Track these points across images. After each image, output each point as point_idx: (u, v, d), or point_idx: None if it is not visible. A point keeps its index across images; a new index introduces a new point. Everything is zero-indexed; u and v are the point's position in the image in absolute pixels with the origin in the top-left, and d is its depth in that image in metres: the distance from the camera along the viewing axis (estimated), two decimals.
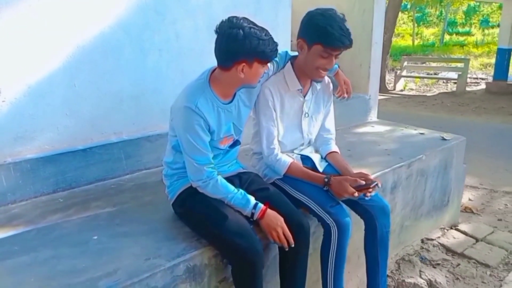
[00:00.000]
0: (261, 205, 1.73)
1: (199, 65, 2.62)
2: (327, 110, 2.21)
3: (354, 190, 1.86)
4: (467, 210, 3.93)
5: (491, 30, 29.17)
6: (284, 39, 3.05)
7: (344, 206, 1.98)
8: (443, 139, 3.30)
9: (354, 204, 2.06)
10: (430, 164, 2.99)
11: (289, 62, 2.04)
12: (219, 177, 1.74)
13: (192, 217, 1.78)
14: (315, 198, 1.95)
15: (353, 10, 3.82)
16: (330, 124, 2.25)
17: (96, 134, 2.29)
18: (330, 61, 1.88)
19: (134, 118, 2.44)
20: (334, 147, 2.23)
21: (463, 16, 31.90)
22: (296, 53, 2.06)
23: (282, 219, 1.72)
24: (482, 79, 13.91)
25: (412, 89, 12.50)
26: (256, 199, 1.75)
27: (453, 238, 3.24)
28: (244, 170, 2.01)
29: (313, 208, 1.93)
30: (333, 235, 1.88)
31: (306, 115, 2.11)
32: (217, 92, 1.75)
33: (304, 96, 2.09)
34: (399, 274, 2.72)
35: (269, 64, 1.82)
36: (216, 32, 1.65)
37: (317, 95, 2.14)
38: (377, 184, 1.89)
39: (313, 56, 1.87)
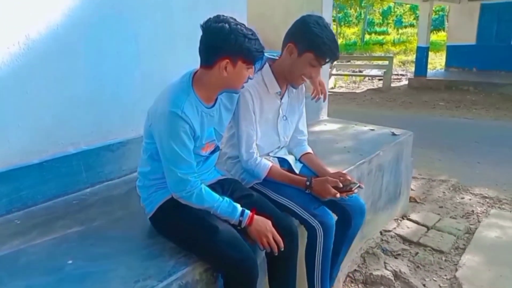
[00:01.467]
0: (248, 212, 1.66)
1: (159, 67, 2.52)
2: (300, 111, 2.20)
3: (336, 191, 1.86)
4: (411, 199, 4.16)
5: (404, 30, 31.44)
6: None
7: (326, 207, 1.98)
8: (394, 134, 3.46)
9: (332, 204, 2.06)
10: (385, 159, 3.12)
11: (267, 64, 2.00)
12: (203, 186, 1.65)
13: (177, 230, 1.67)
14: (298, 201, 1.92)
15: (301, 10, 3.84)
16: (303, 125, 2.25)
17: (52, 145, 2.07)
18: (317, 70, 1.89)
19: (92, 126, 2.25)
20: (308, 148, 2.23)
21: (380, 17, 34.02)
22: (271, 55, 2.02)
23: (270, 223, 1.67)
24: (402, 75, 14.89)
25: (342, 87, 13.05)
26: (241, 206, 1.69)
27: (407, 228, 3.41)
28: (225, 177, 1.93)
29: (297, 211, 1.91)
30: (319, 237, 1.87)
31: (284, 117, 2.09)
32: (200, 95, 1.65)
33: (281, 99, 2.06)
34: (366, 268, 2.80)
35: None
36: (202, 27, 1.56)
37: (292, 97, 2.12)
38: (359, 186, 1.92)
39: (302, 63, 1.85)
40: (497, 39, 12.10)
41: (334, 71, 13.08)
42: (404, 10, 33.61)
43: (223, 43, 1.53)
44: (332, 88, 12.67)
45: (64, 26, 2.03)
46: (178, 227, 1.66)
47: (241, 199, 1.77)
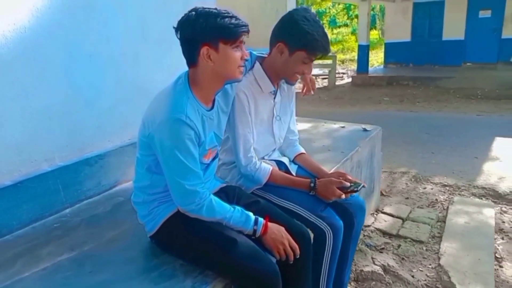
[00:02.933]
0: (262, 220, 1.56)
1: (134, 70, 2.34)
2: (291, 110, 2.13)
3: (341, 192, 1.81)
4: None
5: (339, 29, 32.56)
6: None
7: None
8: (365, 130, 3.49)
9: (333, 204, 2.02)
10: (363, 155, 3.14)
11: (257, 62, 1.90)
12: (213, 197, 1.52)
13: (189, 247, 1.52)
14: (303, 204, 1.85)
15: (265, 9, 3.81)
16: (294, 125, 2.18)
17: (25, 163, 1.84)
18: (309, 66, 1.83)
19: (66, 139, 2.02)
20: (301, 149, 2.17)
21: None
22: (259, 53, 1.94)
23: (284, 229, 1.58)
24: (343, 73, 15.39)
25: None
26: None
27: (384, 221, 3.46)
28: (225, 185, 1.81)
29: (304, 215, 1.83)
30: (328, 239, 1.82)
31: (278, 117, 2.00)
32: (198, 96, 1.51)
33: (274, 98, 1.97)
34: (355, 265, 2.79)
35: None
36: (175, 28, 1.44)
37: (284, 96, 2.05)
38: (363, 186, 1.88)
39: (295, 62, 1.78)
40: (429, 35, 12.86)
41: None
42: (337, 10, 34.82)
43: (194, 31, 1.39)
44: None
45: (32, 28, 1.80)
46: (190, 243, 1.51)
47: (248, 207, 1.66)
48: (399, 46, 13.20)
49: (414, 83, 11.22)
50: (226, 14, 1.40)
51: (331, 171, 2.27)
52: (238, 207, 1.55)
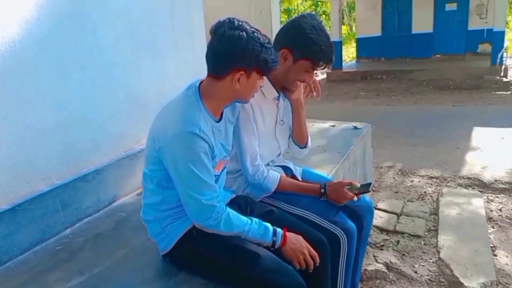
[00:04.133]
0: (280, 231, 1.52)
1: (125, 80, 2.26)
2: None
3: (353, 194, 1.79)
4: None
5: None
6: (201, 42, 2.82)
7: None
8: (356, 128, 3.51)
9: (342, 207, 2.00)
10: (357, 153, 3.14)
11: None
12: (229, 210, 1.47)
13: (209, 264, 1.46)
14: (315, 210, 1.82)
15: (249, 11, 3.76)
16: None
17: (21, 185, 1.72)
18: (311, 75, 1.80)
19: (62, 156, 1.92)
20: None
21: (284, 15, 35.18)
22: None
23: (302, 238, 1.55)
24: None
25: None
26: None
27: (380, 218, 3.48)
28: (234, 195, 1.76)
29: (316, 221, 1.80)
30: (343, 244, 1.79)
31: (281, 122, 1.96)
32: (209, 108, 1.47)
33: (277, 104, 1.93)
34: None
35: None
36: (213, 33, 1.38)
37: (286, 99, 2.01)
38: (372, 184, 1.87)
39: (298, 70, 1.74)
40: (399, 29, 13.12)
41: None
42: (304, 7, 35.14)
43: (240, 54, 1.37)
44: None
45: (22, 42, 1.69)
46: (209, 260, 1.46)
47: (263, 217, 1.61)
48: (370, 40, 13.41)
49: (388, 76, 11.42)
50: (268, 46, 1.41)
51: (332, 173, 2.25)
52: (255, 219, 1.51)
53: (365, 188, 1.86)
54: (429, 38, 12.54)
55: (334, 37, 12.34)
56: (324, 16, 27.54)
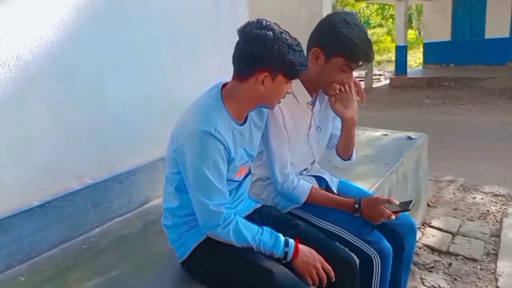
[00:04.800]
0: (292, 242, 1.41)
1: (163, 82, 2.25)
2: (334, 115, 1.96)
3: (390, 212, 1.63)
4: None
5: (373, 30, 31.91)
6: None
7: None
8: (410, 138, 3.27)
9: (380, 226, 1.83)
10: (408, 166, 2.93)
11: None
12: (238, 218, 1.39)
13: (222, 276, 1.39)
14: (348, 226, 1.68)
15: (299, 14, 3.66)
16: (339, 129, 2.00)
17: (53, 183, 1.77)
18: (349, 75, 1.64)
19: (96, 156, 1.95)
20: None
21: None
22: None
23: (315, 251, 1.43)
24: (380, 75, 14.96)
25: None
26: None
27: (432, 236, 3.22)
28: (260, 205, 1.67)
29: (348, 239, 1.66)
30: (376, 266, 1.63)
31: (319, 129, 1.84)
32: (230, 110, 1.40)
33: (312, 108, 1.82)
34: None
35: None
36: (240, 33, 1.33)
37: (325, 104, 1.88)
38: (414, 202, 1.69)
39: (332, 69, 1.60)
40: (471, 34, 12.27)
41: None
42: (370, 11, 34.18)
43: (265, 54, 1.30)
44: None
45: (59, 43, 1.74)
46: (223, 272, 1.38)
47: (286, 231, 1.51)
48: (438, 46, 12.66)
49: (456, 84, 10.71)
50: (297, 48, 1.33)
51: (374, 187, 2.09)
52: (266, 228, 1.42)
53: (405, 206, 1.68)
54: (505, 44, 11.57)
55: (399, 42, 11.86)
56: (391, 19, 26.56)
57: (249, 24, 1.33)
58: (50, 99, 1.73)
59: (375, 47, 23.66)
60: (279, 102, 1.50)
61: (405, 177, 2.86)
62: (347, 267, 1.49)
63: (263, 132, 1.69)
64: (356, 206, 1.68)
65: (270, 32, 1.29)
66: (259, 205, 1.67)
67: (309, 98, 1.76)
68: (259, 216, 1.59)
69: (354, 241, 1.65)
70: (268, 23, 1.33)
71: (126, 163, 2.05)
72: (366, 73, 11.86)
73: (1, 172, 1.60)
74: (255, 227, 1.40)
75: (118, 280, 1.51)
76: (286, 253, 1.38)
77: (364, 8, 33.39)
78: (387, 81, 12.55)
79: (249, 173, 1.62)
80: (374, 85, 12.42)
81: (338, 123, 1.99)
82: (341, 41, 1.53)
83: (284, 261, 1.39)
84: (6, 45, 1.56)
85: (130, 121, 2.07)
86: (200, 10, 2.42)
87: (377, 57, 20.12)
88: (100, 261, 1.65)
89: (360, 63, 1.62)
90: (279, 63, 1.32)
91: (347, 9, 26.82)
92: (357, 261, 1.66)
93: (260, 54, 1.30)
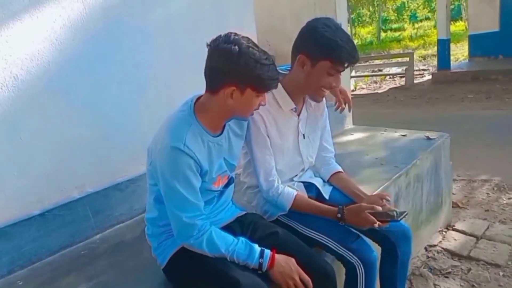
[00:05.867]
0: (268, 252, 1.43)
1: (166, 95, 2.32)
2: (323, 126, 1.95)
3: (374, 219, 1.59)
4: (453, 205, 3.81)
5: (420, 24, 30.73)
6: None
7: (366, 237, 1.71)
8: (429, 138, 3.15)
9: (370, 230, 1.79)
10: (423, 168, 2.82)
11: None
12: (213, 229, 1.42)
13: (194, 285, 1.43)
14: (331, 234, 1.67)
15: (314, 15, 3.61)
16: (327, 141, 1.99)
17: (54, 192, 1.89)
18: (337, 79, 1.64)
19: (97, 166, 2.06)
20: (337, 167, 1.97)
21: (394, 13, 33.42)
22: (281, 69, 1.79)
23: (294, 261, 1.43)
24: (424, 70, 14.37)
25: (363, 88, 12.67)
26: (265, 247, 1.45)
27: (454, 240, 3.07)
28: (244, 213, 1.70)
29: (332, 247, 1.65)
30: (360, 275, 1.61)
31: (303, 136, 1.84)
32: (204, 123, 1.44)
33: (298, 115, 1.81)
34: None
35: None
36: (209, 47, 1.36)
37: (311, 111, 1.88)
38: (405, 214, 1.64)
39: (319, 74, 1.60)
40: None
41: (353, 73, 12.74)
42: (418, 4, 32.95)
43: (230, 69, 1.32)
44: (353, 90, 12.31)
45: (56, 62, 1.85)
46: (195, 281, 1.43)
47: (265, 239, 1.53)
48: (485, 37, 11.94)
49: (505, 77, 10.05)
50: (265, 62, 1.34)
51: (375, 192, 2.05)
52: (242, 238, 1.44)
53: (391, 216, 1.63)
54: None
55: (441, 35, 11.33)
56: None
57: (218, 38, 1.36)
58: (49, 114, 1.85)
59: (420, 42, 22.91)
60: (252, 114, 1.52)
61: (420, 180, 2.76)
62: (323, 277, 1.48)
63: (247, 140, 1.72)
64: (339, 215, 1.65)
65: (236, 47, 1.31)
66: (242, 213, 1.69)
67: (292, 105, 1.76)
68: (239, 224, 1.62)
69: (337, 249, 1.64)
70: (236, 37, 1.34)
71: (127, 172, 2.14)
72: (406, 69, 11.46)
73: (3, 184, 1.73)
74: (230, 238, 1.43)
75: (104, 286, 1.59)
76: (261, 264, 1.40)
77: (411, 1, 32.30)
78: (430, 77, 12.05)
79: (230, 182, 1.65)
80: (416, 81, 11.96)
81: (328, 136, 1.99)
82: (326, 44, 1.54)
83: (259, 272, 1.41)
84: (4, 66, 1.69)
85: (131, 131, 2.16)
86: (202, 22, 2.47)
87: (422, 52, 19.36)
88: (93, 267, 1.74)
89: (346, 65, 1.61)
90: (246, 78, 1.34)
91: (389, 3, 25.97)
92: (341, 269, 1.65)
93: (226, 69, 1.33)
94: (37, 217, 1.80)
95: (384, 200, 1.69)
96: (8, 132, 1.73)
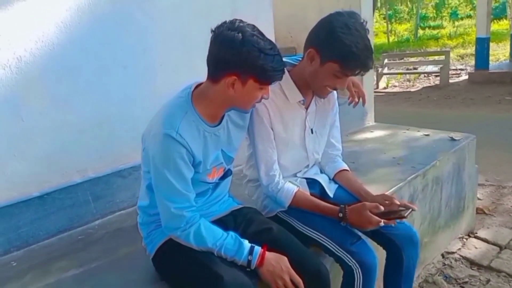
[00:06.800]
0: (258, 249, 1.35)
1: (174, 81, 2.25)
2: (332, 121, 1.85)
3: (379, 219, 1.49)
4: (478, 211, 3.61)
5: (460, 22, 29.60)
6: None
7: (367, 240, 1.61)
8: (452, 139, 2.97)
9: (374, 233, 1.69)
10: (444, 170, 2.66)
11: (285, 70, 1.67)
12: (202, 221, 1.36)
13: (179, 278, 1.38)
14: (330, 234, 1.57)
15: (337, 7, 3.47)
16: (336, 138, 1.90)
17: (55, 175, 1.88)
18: (343, 82, 1.54)
19: (100, 151, 2.04)
20: (343, 165, 1.87)
21: (433, 10, 32.32)
22: (291, 59, 1.70)
23: (286, 260, 1.35)
24: (462, 69, 13.81)
25: (395, 86, 12.31)
26: (258, 243, 1.38)
27: (474, 248, 2.90)
28: (240, 206, 1.63)
29: (330, 247, 1.56)
30: (357, 279, 1.51)
31: (311, 130, 1.75)
32: (201, 112, 1.38)
33: (307, 109, 1.72)
34: None
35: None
36: (213, 32, 1.29)
37: (321, 105, 1.78)
38: (412, 209, 1.53)
39: (325, 74, 1.51)
40: None
41: (385, 70, 12.39)
42: (459, 1, 31.71)
43: (232, 57, 1.25)
44: (384, 88, 12.00)
45: (61, 45, 1.84)
46: (179, 273, 1.38)
47: (258, 235, 1.46)
48: None
49: None
50: (270, 52, 1.26)
51: (387, 193, 1.94)
52: (232, 233, 1.38)
53: (397, 212, 1.53)
54: None
55: (480, 34, 10.83)
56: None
57: (222, 25, 1.29)
58: (52, 97, 1.84)
59: (459, 40, 22.05)
60: (254, 106, 1.45)
61: (439, 183, 2.60)
62: (316, 277, 1.40)
63: (249, 131, 1.65)
64: (340, 215, 1.56)
65: (240, 34, 1.24)
66: (238, 207, 1.63)
67: (300, 97, 1.67)
68: (233, 218, 1.55)
69: (335, 250, 1.55)
70: (241, 24, 1.27)
71: (130, 159, 2.11)
72: (442, 68, 11.03)
73: (3, 165, 1.74)
74: (219, 232, 1.37)
75: (94, 272, 1.57)
76: (249, 261, 1.34)
77: None
78: (466, 77, 11.56)
79: (227, 174, 1.58)
80: (451, 81, 11.50)
81: (337, 132, 1.89)
82: (338, 48, 1.43)
83: (248, 269, 1.34)
84: (7, 47, 1.69)
85: (136, 117, 2.12)
86: (215, 7, 2.41)
87: (460, 51, 18.64)
88: (87, 252, 1.73)
89: (356, 72, 1.51)
90: (249, 67, 1.26)
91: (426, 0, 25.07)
92: (340, 272, 1.56)
93: (228, 57, 1.26)
94: (36, 199, 1.80)
95: (386, 202, 1.57)
96: (9, 113, 1.73)
